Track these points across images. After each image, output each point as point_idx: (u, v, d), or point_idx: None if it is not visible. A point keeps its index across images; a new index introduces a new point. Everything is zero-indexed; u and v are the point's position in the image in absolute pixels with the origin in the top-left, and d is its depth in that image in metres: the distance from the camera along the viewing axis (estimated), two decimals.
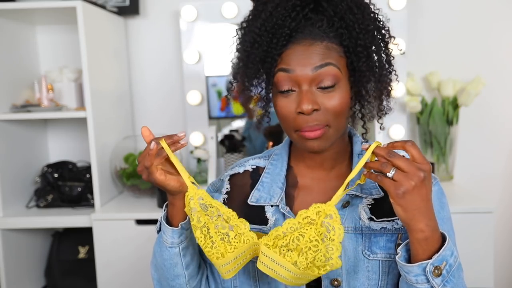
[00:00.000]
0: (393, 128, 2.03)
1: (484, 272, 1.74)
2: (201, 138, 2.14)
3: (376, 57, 0.84)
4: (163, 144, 0.81)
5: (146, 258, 1.74)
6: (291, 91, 0.82)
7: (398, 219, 0.85)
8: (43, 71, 2.17)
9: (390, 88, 0.87)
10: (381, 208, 0.86)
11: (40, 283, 2.14)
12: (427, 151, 2.09)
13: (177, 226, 0.87)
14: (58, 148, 2.25)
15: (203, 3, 2.07)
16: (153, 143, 0.81)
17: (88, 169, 2.05)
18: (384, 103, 0.88)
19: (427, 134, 2.07)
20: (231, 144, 2.13)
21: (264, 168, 0.96)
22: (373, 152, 0.76)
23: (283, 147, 0.98)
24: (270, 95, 0.87)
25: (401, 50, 0.90)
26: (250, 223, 0.85)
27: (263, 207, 0.92)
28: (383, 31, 0.86)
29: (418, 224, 0.73)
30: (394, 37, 0.87)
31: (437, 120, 2.03)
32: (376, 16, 0.85)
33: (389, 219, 0.86)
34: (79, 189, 2.01)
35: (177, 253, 0.88)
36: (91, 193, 1.98)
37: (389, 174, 0.72)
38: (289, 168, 0.95)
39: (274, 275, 0.76)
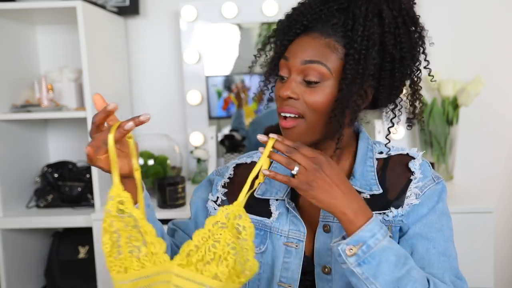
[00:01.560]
0: (393, 129, 2.03)
1: (484, 272, 1.74)
2: (201, 138, 2.14)
3: (364, 68, 0.81)
4: (110, 138, 0.72)
5: None
6: (285, 78, 0.87)
7: (388, 211, 0.88)
8: (43, 71, 2.17)
9: (396, 106, 0.90)
10: (377, 203, 0.89)
11: (40, 283, 2.14)
12: (427, 151, 2.09)
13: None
14: (58, 148, 2.25)
15: (203, 3, 2.08)
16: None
17: (88, 169, 2.05)
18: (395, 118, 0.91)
19: (427, 134, 2.07)
20: (231, 144, 2.13)
21: (271, 162, 0.97)
22: (273, 146, 0.79)
23: None
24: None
25: (432, 77, 0.92)
26: (254, 214, 0.89)
27: (268, 200, 0.94)
28: (389, 47, 0.83)
29: (339, 209, 0.77)
30: (429, 69, 0.90)
31: (437, 120, 2.03)
32: (394, 31, 0.83)
33: (380, 212, 0.88)
34: (79, 189, 2.01)
35: None
36: (91, 193, 1.98)
37: (294, 172, 0.77)
38: None
39: None
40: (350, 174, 0.92)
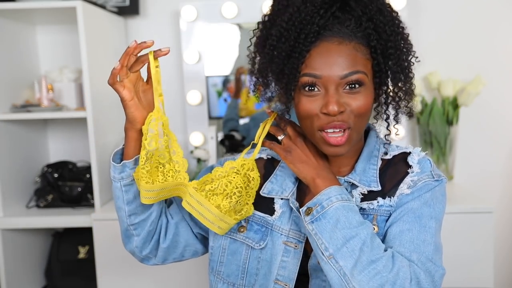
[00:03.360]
0: (393, 128, 2.03)
1: (484, 272, 1.74)
2: (201, 138, 2.14)
3: (406, 62, 0.87)
4: (151, 56, 0.88)
5: None
6: (316, 90, 0.84)
7: (374, 200, 0.89)
8: (43, 71, 2.17)
9: (412, 93, 0.91)
10: (372, 197, 0.90)
11: (40, 283, 2.14)
12: (427, 151, 2.09)
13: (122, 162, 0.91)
14: (58, 148, 2.25)
15: (203, 3, 2.08)
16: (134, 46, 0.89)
17: (88, 169, 2.05)
18: (409, 105, 0.92)
19: (427, 134, 2.07)
20: (231, 144, 2.13)
21: (279, 161, 0.99)
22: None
23: None
24: (292, 93, 0.86)
25: (417, 58, 0.91)
26: (258, 210, 0.93)
27: (273, 199, 0.95)
28: (405, 38, 0.88)
29: (310, 175, 0.87)
30: (411, 45, 0.90)
31: (437, 120, 2.03)
32: (400, 23, 0.88)
33: (368, 202, 0.89)
34: (79, 189, 2.01)
35: (119, 188, 0.93)
36: (91, 193, 1.98)
37: (280, 138, 0.91)
38: None
39: (197, 215, 0.88)
40: (352, 169, 0.94)
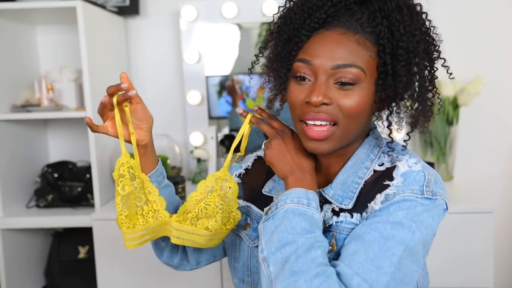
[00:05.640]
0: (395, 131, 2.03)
1: (484, 272, 1.73)
2: (201, 138, 2.14)
3: (416, 67, 0.77)
4: (114, 100, 0.87)
5: (146, 258, 1.74)
6: (307, 79, 0.78)
7: (335, 215, 0.81)
8: (43, 71, 2.17)
9: (427, 108, 0.81)
10: (339, 214, 0.82)
11: (40, 283, 2.14)
12: (427, 151, 2.09)
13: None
14: (58, 148, 2.25)
15: (203, 3, 2.08)
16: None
17: (88, 169, 2.05)
18: (419, 119, 0.81)
19: (427, 134, 2.07)
20: (231, 144, 2.13)
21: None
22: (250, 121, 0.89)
23: None
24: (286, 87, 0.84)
25: (451, 74, 0.87)
26: (259, 208, 0.91)
27: (273, 197, 0.93)
28: (430, 47, 0.81)
29: (284, 173, 0.82)
30: (444, 59, 0.85)
31: (437, 120, 2.03)
32: (427, 29, 0.81)
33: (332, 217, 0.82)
34: (79, 189, 2.01)
35: None
36: (91, 193, 1.98)
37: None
38: None
39: (190, 243, 0.87)
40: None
